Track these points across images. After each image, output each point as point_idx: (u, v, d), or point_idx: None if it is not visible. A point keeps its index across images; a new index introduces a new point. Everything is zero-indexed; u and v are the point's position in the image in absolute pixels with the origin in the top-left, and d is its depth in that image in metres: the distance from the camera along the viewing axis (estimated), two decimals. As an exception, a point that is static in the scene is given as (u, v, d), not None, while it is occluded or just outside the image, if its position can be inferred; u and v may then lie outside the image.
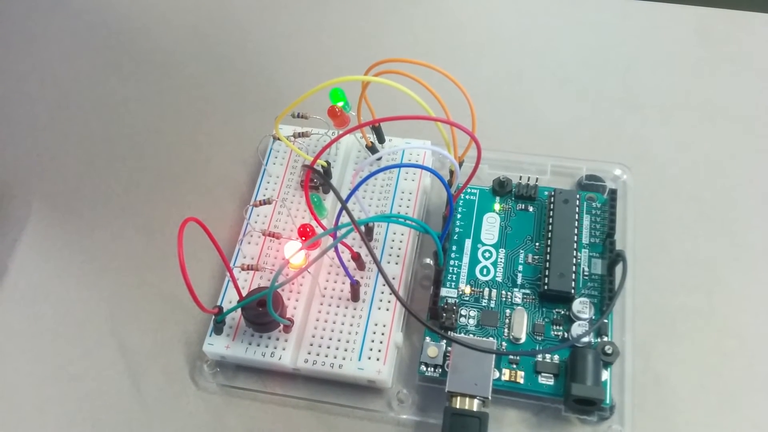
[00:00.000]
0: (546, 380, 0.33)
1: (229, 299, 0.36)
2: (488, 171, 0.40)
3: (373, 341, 0.34)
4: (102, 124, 0.46)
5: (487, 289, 0.36)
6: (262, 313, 0.33)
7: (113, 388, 0.36)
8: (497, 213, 0.38)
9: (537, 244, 0.37)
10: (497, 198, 0.39)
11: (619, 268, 0.34)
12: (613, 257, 0.35)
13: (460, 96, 0.33)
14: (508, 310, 0.35)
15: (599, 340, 0.34)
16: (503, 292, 0.36)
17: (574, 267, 0.35)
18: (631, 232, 0.37)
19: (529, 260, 0.37)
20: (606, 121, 0.43)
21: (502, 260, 0.37)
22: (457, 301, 0.36)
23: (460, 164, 0.36)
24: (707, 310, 0.36)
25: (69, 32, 0.50)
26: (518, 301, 0.35)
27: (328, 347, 0.34)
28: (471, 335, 0.34)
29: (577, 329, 0.34)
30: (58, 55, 0.49)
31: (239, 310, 0.34)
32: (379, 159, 0.40)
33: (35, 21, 0.51)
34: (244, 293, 0.35)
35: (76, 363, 0.37)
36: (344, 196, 0.34)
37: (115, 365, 0.37)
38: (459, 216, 0.38)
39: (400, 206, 0.38)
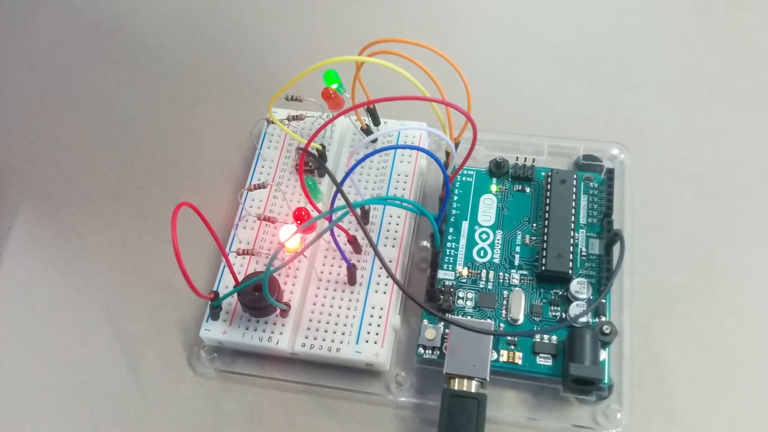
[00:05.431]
0: (544, 361, 0.33)
1: (225, 284, 0.36)
2: (485, 152, 0.39)
3: (370, 324, 0.34)
4: (94, 110, 0.45)
5: (484, 271, 0.36)
6: (259, 297, 0.33)
7: (110, 374, 0.36)
8: (494, 194, 0.38)
9: (534, 225, 0.37)
10: (494, 179, 0.38)
11: (616, 248, 0.34)
12: (610, 237, 0.35)
13: (456, 76, 0.33)
14: (505, 292, 0.35)
15: (597, 320, 0.34)
16: (501, 273, 0.36)
17: (571, 247, 0.35)
18: (629, 212, 0.37)
19: (527, 241, 0.36)
20: (603, 100, 0.42)
21: (500, 242, 0.36)
22: (455, 283, 0.35)
23: (456, 145, 0.36)
24: (705, 289, 0.36)
25: (59, 17, 0.50)
26: (516, 282, 0.35)
27: (326, 331, 0.34)
28: (469, 317, 0.34)
29: (575, 309, 0.34)
30: (48, 41, 0.49)
31: (235, 295, 0.34)
32: (374, 141, 0.40)
33: (24, 6, 0.51)
34: (240, 278, 0.35)
35: (73, 350, 0.37)
36: (339, 179, 0.34)
37: (112, 352, 0.37)
38: (455, 198, 0.38)
39: (396, 188, 0.38)
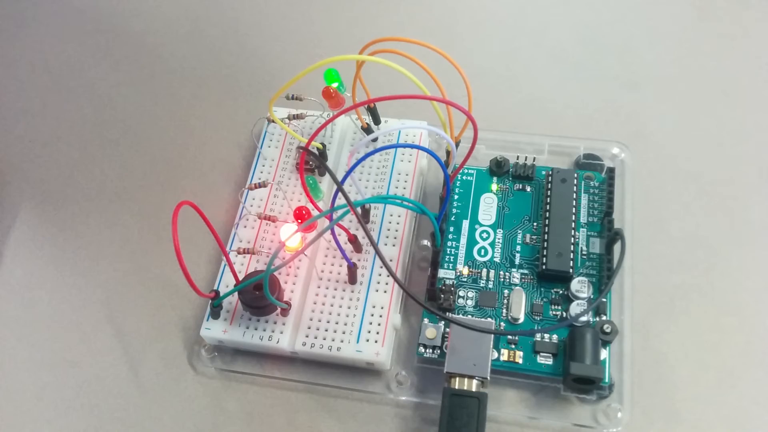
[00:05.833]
0: (545, 360, 0.33)
1: (226, 283, 0.36)
2: (485, 151, 0.39)
3: (371, 323, 0.34)
4: (94, 109, 0.45)
5: (485, 270, 0.36)
6: (259, 296, 0.33)
7: (111, 374, 0.36)
8: (494, 193, 0.38)
9: (535, 224, 0.37)
10: (494, 178, 0.38)
11: (617, 247, 0.34)
12: (611, 236, 0.35)
13: (457, 75, 0.33)
14: (506, 291, 0.35)
15: (598, 319, 0.34)
16: (501, 272, 0.36)
17: (572, 246, 0.35)
18: (630, 211, 0.37)
19: (527, 240, 0.36)
20: (603, 99, 0.42)
21: (500, 241, 0.36)
22: (455, 282, 0.35)
23: (457, 144, 0.36)
24: (706, 288, 0.36)
25: (59, 16, 0.50)
26: (516, 281, 0.35)
27: (326, 330, 0.34)
28: (469, 316, 0.34)
29: (575, 308, 0.34)
30: (48, 40, 0.49)
31: (236, 294, 0.34)
32: (375, 140, 0.40)
33: (24, 6, 0.50)
34: (240, 277, 0.35)
35: (74, 349, 0.37)
36: (340, 178, 0.34)
37: (113, 351, 0.37)
38: (456, 197, 0.38)
39: (397, 187, 0.38)
